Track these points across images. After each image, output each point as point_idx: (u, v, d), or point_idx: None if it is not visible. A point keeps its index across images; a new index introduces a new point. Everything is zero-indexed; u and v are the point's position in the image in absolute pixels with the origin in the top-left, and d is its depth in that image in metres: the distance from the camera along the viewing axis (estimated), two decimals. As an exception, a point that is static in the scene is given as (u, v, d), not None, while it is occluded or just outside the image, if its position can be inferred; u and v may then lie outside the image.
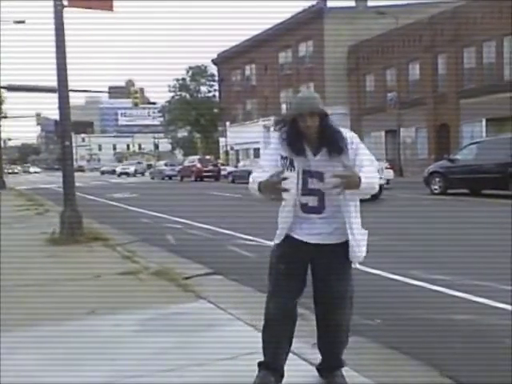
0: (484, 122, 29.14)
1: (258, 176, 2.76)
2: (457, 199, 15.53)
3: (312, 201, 2.83)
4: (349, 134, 2.82)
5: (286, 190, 2.60)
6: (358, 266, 3.03)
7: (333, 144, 2.74)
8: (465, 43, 29.91)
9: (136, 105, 33.05)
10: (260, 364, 2.96)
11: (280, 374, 2.92)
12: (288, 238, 2.89)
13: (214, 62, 57.19)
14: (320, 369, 3.09)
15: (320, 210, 2.84)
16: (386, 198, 17.10)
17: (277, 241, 2.94)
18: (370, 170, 2.75)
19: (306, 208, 2.85)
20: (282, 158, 2.81)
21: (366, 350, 3.66)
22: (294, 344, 3.06)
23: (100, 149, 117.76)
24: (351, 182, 2.59)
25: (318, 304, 2.98)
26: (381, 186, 21.82)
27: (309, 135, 2.76)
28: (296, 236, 2.88)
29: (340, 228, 2.85)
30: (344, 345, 3.04)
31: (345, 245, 2.86)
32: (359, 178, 2.60)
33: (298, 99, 2.80)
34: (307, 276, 2.95)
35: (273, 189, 2.62)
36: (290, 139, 2.78)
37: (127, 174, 53.37)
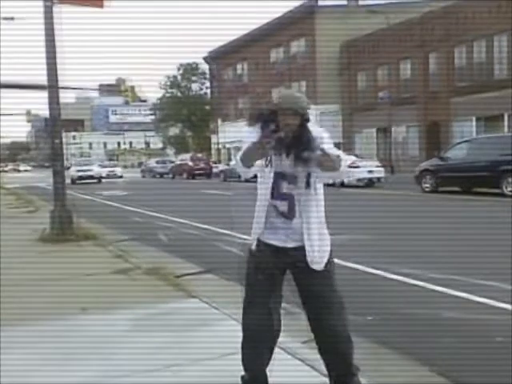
0: (474, 121, 29.31)
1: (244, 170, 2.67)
2: (447, 197, 15.61)
3: (283, 205, 2.73)
4: (319, 135, 2.66)
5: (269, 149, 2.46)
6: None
7: (305, 149, 2.57)
8: (456, 42, 30.05)
9: (127, 102, 32.99)
10: (243, 377, 2.87)
11: (264, 382, 2.86)
12: (262, 244, 2.77)
13: (206, 59, 57.07)
14: (335, 381, 2.88)
15: (291, 215, 2.73)
16: (377, 196, 17.17)
17: (252, 247, 2.81)
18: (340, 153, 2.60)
19: (277, 212, 2.74)
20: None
21: (355, 346, 3.67)
22: (285, 340, 3.06)
23: (91, 147, 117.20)
24: (334, 163, 2.49)
25: (308, 311, 2.86)
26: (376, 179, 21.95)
27: (285, 133, 2.58)
28: (271, 242, 2.75)
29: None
30: (347, 351, 2.84)
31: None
32: (340, 160, 2.52)
33: (285, 94, 2.67)
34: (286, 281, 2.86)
35: (255, 150, 2.48)
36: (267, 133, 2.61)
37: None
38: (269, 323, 2.80)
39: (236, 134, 46.08)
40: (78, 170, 35.07)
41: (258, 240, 2.78)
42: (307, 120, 2.63)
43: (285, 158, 2.68)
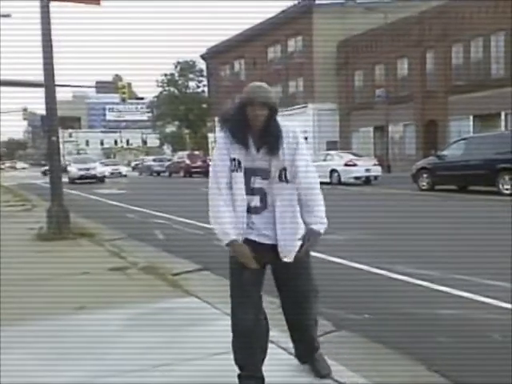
0: (471, 119, 29.36)
1: (227, 221, 2.69)
2: (444, 195, 15.63)
3: (255, 200, 2.76)
4: (291, 129, 2.75)
5: (254, 266, 2.69)
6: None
7: (275, 140, 2.68)
8: (453, 40, 30.07)
9: (124, 100, 32.79)
10: (240, 376, 2.88)
11: (262, 380, 2.88)
12: (245, 242, 2.77)
13: (203, 57, 56.97)
14: (300, 355, 3.18)
15: (263, 210, 2.77)
16: (374, 194, 17.19)
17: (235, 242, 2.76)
18: (320, 200, 2.79)
19: (249, 209, 2.76)
20: (231, 160, 2.71)
21: (353, 345, 3.68)
22: (276, 335, 3.11)
23: (87, 144, 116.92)
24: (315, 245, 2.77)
25: (284, 303, 2.99)
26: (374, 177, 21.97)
27: (255, 126, 2.65)
28: (250, 237, 2.78)
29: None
30: (315, 330, 3.13)
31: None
32: (319, 235, 2.76)
33: (251, 88, 2.70)
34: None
35: (243, 260, 2.70)
36: (235, 128, 2.68)
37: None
38: (260, 322, 2.85)
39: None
40: (80, 169, 31.34)
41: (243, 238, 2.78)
42: (275, 111, 2.69)
43: (255, 153, 2.72)
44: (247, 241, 2.77)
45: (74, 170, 31.34)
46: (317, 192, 2.79)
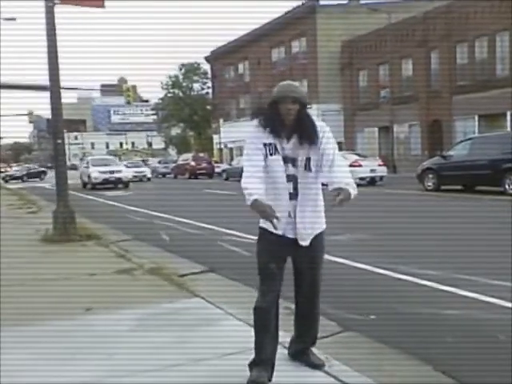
0: (477, 119, 29.26)
1: (254, 187, 2.76)
2: (450, 195, 15.59)
3: (289, 187, 2.93)
4: (319, 124, 2.96)
5: (276, 218, 2.71)
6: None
7: (306, 133, 2.88)
8: (457, 40, 29.99)
9: (129, 102, 32.88)
10: (253, 363, 2.99)
11: (272, 370, 2.99)
12: (270, 233, 2.93)
13: (207, 59, 57.05)
14: (295, 352, 3.25)
15: (296, 197, 2.93)
16: (380, 195, 17.15)
17: (270, 230, 2.91)
18: (346, 172, 2.90)
19: (290, 195, 2.94)
20: (266, 144, 2.89)
21: (357, 345, 3.68)
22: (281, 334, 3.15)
23: (93, 147, 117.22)
24: (346, 198, 2.80)
25: (299, 292, 3.13)
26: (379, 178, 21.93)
27: (287, 120, 2.86)
28: (277, 231, 2.91)
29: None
30: (317, 324, 3.25)
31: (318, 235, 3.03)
32: (349, 193, 2.79)
33: (282, 86, 2.93)
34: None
35: (265, 216, 2.73)
36: (269, 120, 2.89)
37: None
38: (277, 311, 3.06)
39: (238, 134, 46.21)
40: (102, 172, 26.23)
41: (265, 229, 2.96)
42: (306, 105, 2.93)
43: (285, 143, 2.91)
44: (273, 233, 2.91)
45: (95, 173, 26.37)
46: (348, 174, 2.91)
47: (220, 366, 3.24)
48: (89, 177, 26.59)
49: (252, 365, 2.99)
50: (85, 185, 27.17)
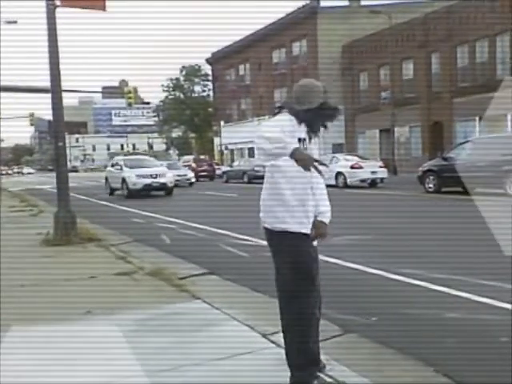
0: (477, 120, 29.26)
1: (288, 141, 2.62)
2: (451, 197, 15.57)
3: (309, 186, 2.98)
4: None
5: (323, 165, 2.68)
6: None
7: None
8: (458, 42, 30.02)
9: (130, 105, 32.91)
10: (314, 371, 2.95)
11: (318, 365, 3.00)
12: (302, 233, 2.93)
13: (208, 61, 57.12)
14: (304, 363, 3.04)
15: (313, 196, 3.00)
16: (381, 196, 17.16)
17: (303, 230, 2.90)
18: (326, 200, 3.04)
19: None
20: (300, 140, 2.83)
21: (356, 345, 3.68)
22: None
23: (94, 149, 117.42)
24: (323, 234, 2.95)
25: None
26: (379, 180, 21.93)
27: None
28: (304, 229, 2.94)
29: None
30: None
31: None
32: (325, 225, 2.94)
33: (324, 92, 2.97)
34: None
35: (305, 164, 2.61)
36: (314, 119, 2.89)
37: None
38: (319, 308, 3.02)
39: (239, 135, 46.18)
40: (142, 176, 20.41)
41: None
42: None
43: (308, 142, 2.91)
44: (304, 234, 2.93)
45: (132, 177, 20.41)
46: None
47: (221, 367, 3.25)
48: (123, 182, 20.67)
49: (314, 372, 2.94)
50: (112, 192, 21.99)
